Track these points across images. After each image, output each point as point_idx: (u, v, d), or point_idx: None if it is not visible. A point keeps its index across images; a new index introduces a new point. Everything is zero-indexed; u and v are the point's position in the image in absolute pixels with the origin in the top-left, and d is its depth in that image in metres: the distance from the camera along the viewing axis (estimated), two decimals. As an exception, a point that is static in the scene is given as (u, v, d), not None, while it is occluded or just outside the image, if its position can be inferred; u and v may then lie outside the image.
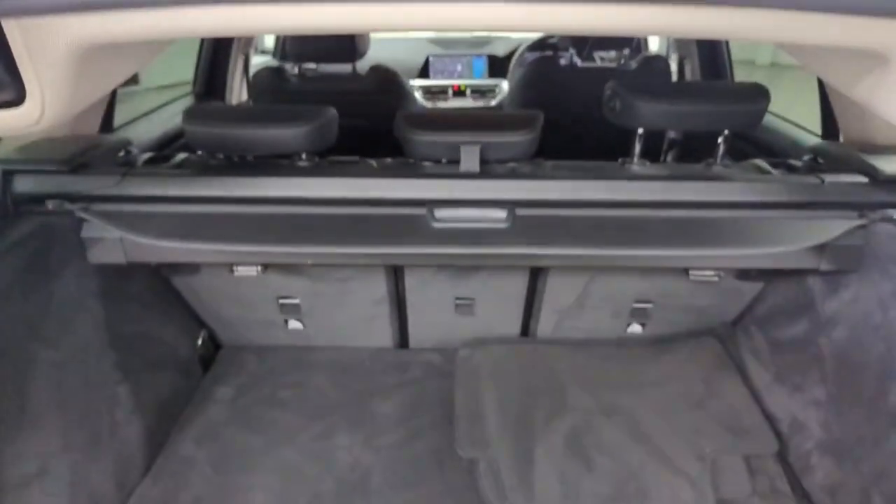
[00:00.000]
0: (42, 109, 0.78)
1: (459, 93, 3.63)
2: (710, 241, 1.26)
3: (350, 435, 1.53)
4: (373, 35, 2.52)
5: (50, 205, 1.30)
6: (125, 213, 1.30)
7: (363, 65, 2.54)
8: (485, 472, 1.39)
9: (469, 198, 1.30)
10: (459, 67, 3.76)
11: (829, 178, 1.32)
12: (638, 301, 1.70)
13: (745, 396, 1.55)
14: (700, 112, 1.36)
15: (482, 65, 3.75)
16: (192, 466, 1.44)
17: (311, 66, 2.51)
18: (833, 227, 1.25)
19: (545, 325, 1.78)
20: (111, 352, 1.41)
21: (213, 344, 1.85)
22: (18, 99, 0.77)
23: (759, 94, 1.37)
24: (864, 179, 1.30)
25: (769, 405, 1.52)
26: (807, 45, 0.81)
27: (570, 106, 2.32)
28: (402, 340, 1.85)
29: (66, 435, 1.30)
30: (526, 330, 1.81)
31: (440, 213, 1.29)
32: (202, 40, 2.62)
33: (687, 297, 1.68)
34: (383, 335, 1.82)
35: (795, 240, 1.25)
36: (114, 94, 1.65)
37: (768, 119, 2.28)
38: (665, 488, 1.32)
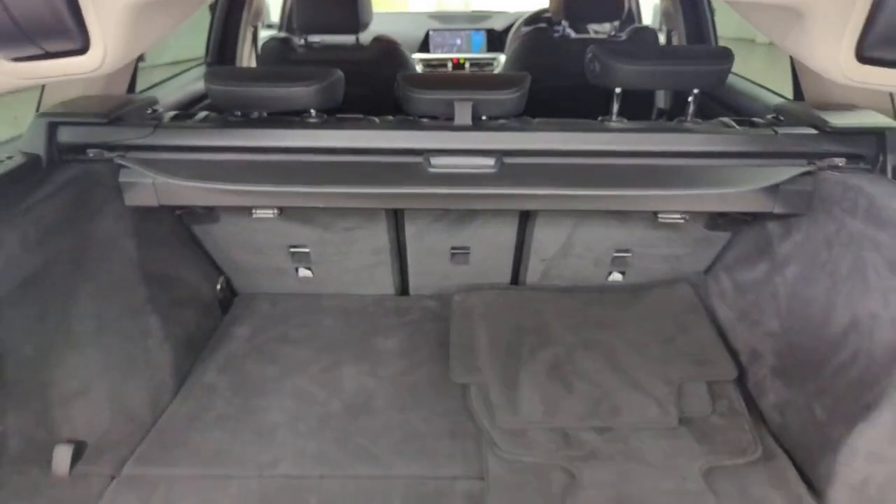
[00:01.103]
0: (103, 57, 0.94)
1: (459, 66, 3.77)
2: (674, 184, 1.42)
3: (355, 366, 1.70)
4: (375, 10, 2.66)
5: (91, 153, 1.47)
6: (157, 160, 1.47)
7: (366, 36, 2.69)
8: (475, 395, 1.56)
9: (462, 147, 1.46)
10: (459, 41, 3.90)
11: (783, 130, 1.48)
12: (617, 250, 1.87)
13: (711, 333, 1.72)
14: (669, 72, 1.51)
15: (481, 39, 3.89)
16: (215, 391, 1.62)
17: (317, 37, 2.66)
18: (784, 172, 1.41)
19: (533, 273, 1.94)
20: (143, 287, 1.58)
21: (230, 291, 2.02)
22: (84, 48, 0.93)
23: (723, 56, 1.52)
24: (813, 132, 1.46)
25: (732, 340, 1.69)
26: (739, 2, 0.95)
27: (563, 75, 2.46)
28: (403, 288, 2.02)
29: (105, 358, 1.48)
30: (516, 278, 1.98)
31: (436, 160, 1.45)
32: (213, 14, 2.77)
33: (662, 247, 1.84)
34: (385, 283, 1.99)
35: (750, 182, 1.40)
36: (136, 61, 1.80)
37: (745, 85, 2.43)
38: (634, 407, 1.50)
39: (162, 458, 1.41)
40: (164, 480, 1.35)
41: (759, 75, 2.65)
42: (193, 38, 2.84)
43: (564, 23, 2.71)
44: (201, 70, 2.64)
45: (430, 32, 3.79)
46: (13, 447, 1.35)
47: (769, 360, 1.54)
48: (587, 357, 1.64)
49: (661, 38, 3.06)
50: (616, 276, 1.95)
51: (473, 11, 4.45)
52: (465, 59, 3.74)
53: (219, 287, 1.94)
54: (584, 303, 1.87)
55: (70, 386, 1.42)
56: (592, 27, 3.09)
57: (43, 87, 1.53)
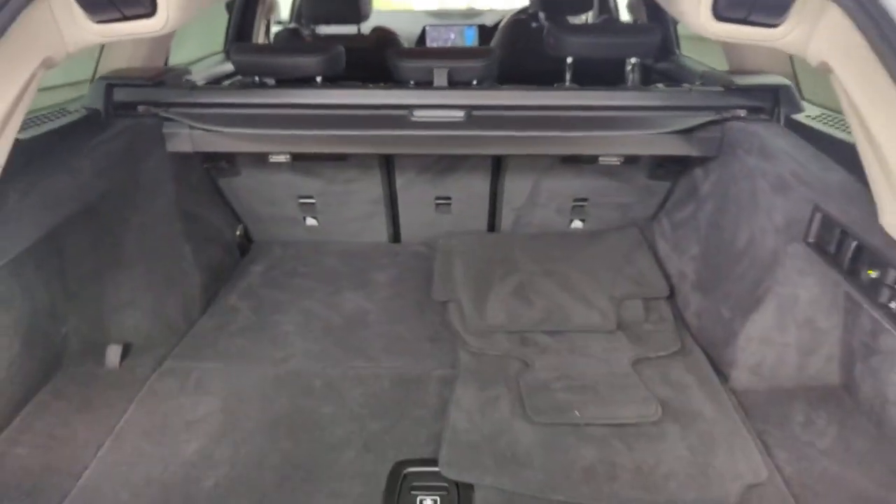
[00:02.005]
0: (166, 20, 1.28)
1: None
2: (609, 129, 1.76)
3: (353, 292, 2.04)
4: (380, 8, 3.00)
5: (140, 109, 1.82)
6: (192, 114, 1.81)
7: (367, 27, 3.04)
8: (452, 309, 1.90)
9: (438, 103, 1.80)
10: (452, 36, 4.24)
11: (697, 88, 1.81)
12: (576, 199, 2.20)
13: (651, 263, 2.05)
14: (606, 42, 1.86)
15: (473, 33, 4.23)
16: (237, 311, 1.96)
17: (323, 28, 3.01)
18: (695, 120, 1.75)
19: (506, 221, 2.28)
20: (179, 222, 1.93)
21: (248, 238, 2.37)
22: (152, 12, 1.26)
23: (652, 31, 1.86)
24: (720, 89, 1.80)
25: (667, 267, 2.02)
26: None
27: (538, 60, 2.81)
28: (396, 235, 2.36)
29: (148, 277, 1.82)
30: (492, 225, 2.32)
31: (417, 112, 1.79)
32: (230, 12, 3.13)
33: (613, 195, 2.18)
34: (380, 231, 2.33)
35: (668, 127, 1.74)
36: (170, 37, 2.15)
37: (695, 65, 2.76)
38: (581, 316, 1.83)
39: (194, 356, 1.74)
40: (195, 370, 1.68)
41: (714, 59, 2.99)
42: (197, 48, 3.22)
43: (542, 15, 3.05)
44: (220, 57, 3.00)
45: (426, 28, 4.14)
46: (73, 346, 1.69)
47: (691, 278, 1.87)
48: (546, 281, 1.97)
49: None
50: (577, 224, 2.28)
51: (467, 9, 4.81)
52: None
53: (238, 233, 2.28)
54: (548, 243, 2.21)
55: (120, 298, 1.76)
56: (571, 19, 3.43)
57: (99, 56, 1.88)
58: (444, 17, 4.43)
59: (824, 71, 1.24)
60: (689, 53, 2.91)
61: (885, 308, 1.17)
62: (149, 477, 1.34)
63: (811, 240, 1.42)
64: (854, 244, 1.26)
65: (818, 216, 1.40)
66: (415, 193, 2.21)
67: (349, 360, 1.73)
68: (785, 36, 1.21)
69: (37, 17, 1.15)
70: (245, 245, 2.33)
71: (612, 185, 2.14)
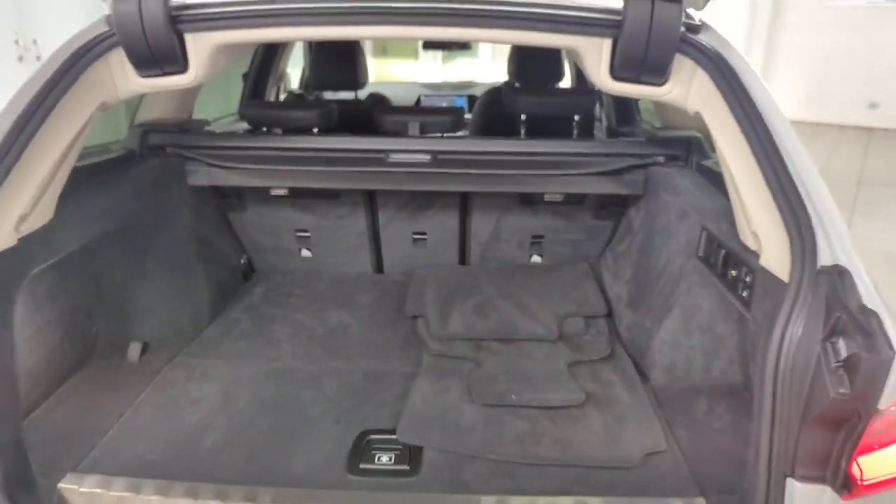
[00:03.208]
0: (195, 76, 1.67)
1: None
2: (550, 170, 2.14)
3: (337, 310, 2.37)
4: (376, 78, 3.46)
5: (168, 150, 2.21)
6: (211, 154, 2.21)
7: (363, 94, 3.49)
8: (421, 323, 2.22)
9: (410, 148, 2.19)
10: (444, 104, 4.72)
11: (624, 140, 2.20)
12: (534, 236, 2.56)
13: (595, 289, 2.38)
14: (549, 101, 2.27)
15: (463, 103, 4.71)
16: (239, 321, 2.29)
17: (325, 93, 3.46)
18: (622, 163, 2.13)
19: (474, 255, 2.63)
20: (193, 245, 2.29)
21: (251, 267, 2.72)
22: (185, 70, 1.66)
23: (590, 93, 2.27)
24: (642, 140, 2.18)
25: (608, 292, 2.35)
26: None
27: (506, 121, 3.25)
28: (379, 267, 2.71)
29: (165, 289, 2.16)
30: (462, 259, 2.67)
31: (393, 155, 2.18)
32: (246, 79, 3.60)
33: (565, 233, 2.53)
34: (365, 263, 2.68)
35: (599, 168, 2.12)
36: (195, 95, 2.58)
37: (644, 125, 3.18)
38: (528, 328, 2.15)
39: (200, 355, 2.07)
40: (201, 365, 2.00)
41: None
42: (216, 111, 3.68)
43: (517, 85, 3.50)
44: (235, 117, 3.45)
45: (421, 97, 4.63)
46: (101, 342, 2.02)
47: (624, 298, 2.20)
48: (502, 301, 2.30)
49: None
50: (536, 258, 2.63)
51: (459, 81, 5.33)
52: None
53: (243, 261, 2.64)
54: (508, 273, 2.55)
55: (141, 305, 2.10)
56: None
57: (137, 106, 2.29)
58: (436, 88, 4.93)
59: (699, 118, 1.61)
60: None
61: (741, 298, 1.50)
62: (160, 436, 1.64)
63: (700, 254, 1.76)
64: (723, 252, 1.60)
65: (704, 234, 1.74)
66: (395, 229, 2.57)
67: (329, 359, 2.04)
68: (670, 92, 1.58)
69: (99, 70, 1.55)
70: (248, 272, 2.68)
71: (563, 224, 2.50)
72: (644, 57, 1.46)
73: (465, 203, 2.49)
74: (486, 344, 2.09)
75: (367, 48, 11.71)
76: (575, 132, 2.41)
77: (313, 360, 2.04)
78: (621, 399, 1.80)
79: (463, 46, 7.03)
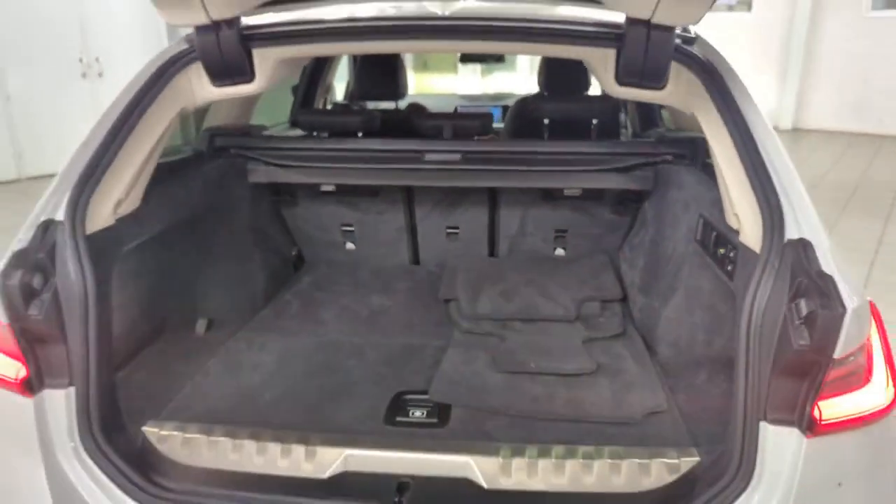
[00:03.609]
0: (259, 85, 1.97)
1: None
2: (569, 166, 2.37)
3: (379, 295, 2.64)
4: (417, 91, 3.76)
5: (231, 151, 2.52)
6: (267, 155, 2.51)
7: (403, 103, 3.78)
8: (453, 306, 2.47)
9: (443, 149, 2.45)
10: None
11: (636, 140, 2.42)
12: (557, 230, 2.78)
13: (613, 278, 2.59)
14: (572, 108, 2.50)
15: (498, 112, 4.98)
16: (290, 304, 2.57)
17: (368, 104, 3.77)
18: (632, 161, 2.34)
19: (503, 248, 2.87)
20: (251, 236, 2.59)
21: (300, 258, 3.01)
22: (252, 79, 1.95)
23: (606, 99, 2.49)
24: (652, 140, 2.40)
25: (624, 279, 2.56)
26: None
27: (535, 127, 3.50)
28: (415, 259, 2.97)
29: (227, 274, 2.46)
30: (492, 252, 2.91)
31: (428, 155, 2.44)
32: (295, 91, 3.93)
33: (586, 227, 2.75)
34: (404, 255, 2.94)
35: (612, 164, 2.34)
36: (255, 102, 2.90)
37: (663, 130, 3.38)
38: (549, 309, 2.38)
39: (258, 330, 2.35)
40: (258, 339, 2.28)
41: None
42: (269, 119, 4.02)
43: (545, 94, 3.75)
44: (286, 125, 3.77)
45: (458, 107, 4.91)
46: (173, 318, 2.31)
47: (637, 284, 2.41)
48: (526, 288, 2.53)
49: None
50: (560, 251, 2.86)
51: (495, 93, 5.61)
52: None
53: (294, 253, 2.94)
54: (533, 264, 2.78)
55: (207, 287, 2.39)
56: None
57: (206, 112, 2.61)
58: (473, 98, 5.21)
59: (695, 118, 1.83)
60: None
61: (727, 272, 1.70)
62: (226, 393, 1.92)
63: (698, 238, 1.97)
64: (714, 234, 1.81)
65: (701, 221, 1.95)
66: (430, 224, 2.83)
67: (370, 334, 2.31)
68: (669, 95, 1.81)
69: (181, 81, 1.85)
70: (299, 263, 2.98)
71: (584, 219, 2.73)
72: (643, 66, 1.68)
73: (493, 200, 2.74)
74: (510, 323, 2.32)
75: (409, 63, 12.15)
76: (594, 135, 2.64)
77: (356, 335, 2.30)
78: (630, 369, 2.01)
79: (498, 59, 7.31)
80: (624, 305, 2.44)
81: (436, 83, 10.98)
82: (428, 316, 2.44)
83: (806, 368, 1.34)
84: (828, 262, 1.36)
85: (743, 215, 1.56)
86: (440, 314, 2.45)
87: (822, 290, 1.30)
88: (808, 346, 1.30)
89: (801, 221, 1.41)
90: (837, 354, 1.32)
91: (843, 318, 1.29)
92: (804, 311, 1.30)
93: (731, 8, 13.39)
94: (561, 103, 2.70)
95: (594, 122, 2.66)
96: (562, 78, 3.01)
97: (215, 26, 1.70)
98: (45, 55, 7.71)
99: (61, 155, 1.75)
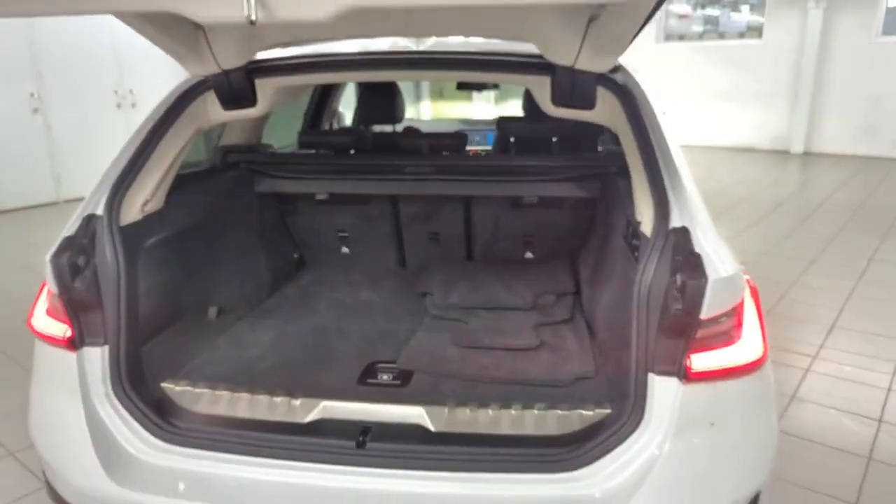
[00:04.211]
0: (261, 109, 2.39)
1: (477, 155, 5.29)
2: (526, 175, 2.75)
3: (367, 291, 3.03)
4: (433, 115, 4.21)
5: (241, 165, 2.95)
6: (272, 168, 2.93)
7: (400, 127, 4.21)
8: (428, 298, 2.84)
9: (422, 163, 2.85)
10: (478, 138, 5.40)
11: (587, 154, 2.79)
12: (525, 235, 3.15)
13: (568, 275, 2.94)
14: (528, 127, 2.89)
15: (493, 135, 5.39)
16: (290, 297, 2.97)
17: (375, 127, 4.22)
18: (581, 171, 2.71)
19: (478, 252, 3.24)
20: (258, 239, 3.00)
21: (301, 261, 3.42)
22: (254, 104, 2.38)
23: (566, 121, 2.87)
24: (596, 154, 2.77)
25: (580, 276, 2.91)
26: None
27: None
28: (402, 262, 3.35)
29: (236, 270, 2.86)
30: (469, 255, 3.28)
31: (408, 168, 2.84)
32: (306, 114, 4.39)
33: (551, 232, 3.11)
34: (392, 259, 3.33)
35: (563, 175, 2.71)
36: (264, 124, 3.34)
37: None
38: (509, 300, 2.73)
39: (261, 317, 2.75)
40: (261, 323, 2.67)
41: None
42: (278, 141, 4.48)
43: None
44: (294, 146, 4.22)
45: (459, 130, 5.32)
46: (188, 306, 2.72)
47: (587, 279, 2.75)
48: (493, 283, 2.89)
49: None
50: (528, 254, 3.21)
51: (495, 118, 6.03)
52: (482, 150, 5.24)
53: (296, 256, 3.35)
54: (504, 264, 3.14)
55: (217, 280, 2.80)
56: None
57: (222, 130, 3.05)
58: (472, 123, 5.64)
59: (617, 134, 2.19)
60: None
61: (635, 258, 2.05)
62: (230, 362, 2.31)
63: (624, 234, 2.32)
64: (631, 229, 2.16)
65: (625, 220, 2.30)
66: (414, 231, 3.23)
67: (355, 320, 2.69)
68: (599, 115, 2.19)
69: (198, 105, 2.28)
70: (300, 265, 3.39)
71: (548, 226, 3.09)
72: (573, 92, 2.06)
73: (467, 209, 3.13)
74: (474, 311, 2.69)
75: (426, 92, 12.66)
76: (555, 150, 3.02)
77: (343, 321, 2.69)
78: (569, 347, 2.35)
79: (494, 87, 7.73)
80: (576, 298, 2.79)
81: (451, 110, 11.48)
82: (406, 307, 2.82)
83: (681, 328, 1.67)
84: (700, 244, 1.70)
85: (644, 211, 1.92)
86: (417, 306, 2.83)
87: (692, 265, 1.65)
88: (681, 309, 1.64)
89: (683, 214, 1.75)
90: (703, 316, 1.65)
91: (705, 287, 1.62)
92: (679, 282, 1.64)
93: (742, 35, 13.69)
94: (525, 123, 3.10)
95: (554, 139, 3.04)
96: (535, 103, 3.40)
97: (225, 73, 2.12)
98: (83, 88, 8.45)
99: (96, 179, 2.15)
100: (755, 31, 13.33)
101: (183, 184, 2.53)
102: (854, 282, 5.35)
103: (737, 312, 1.74)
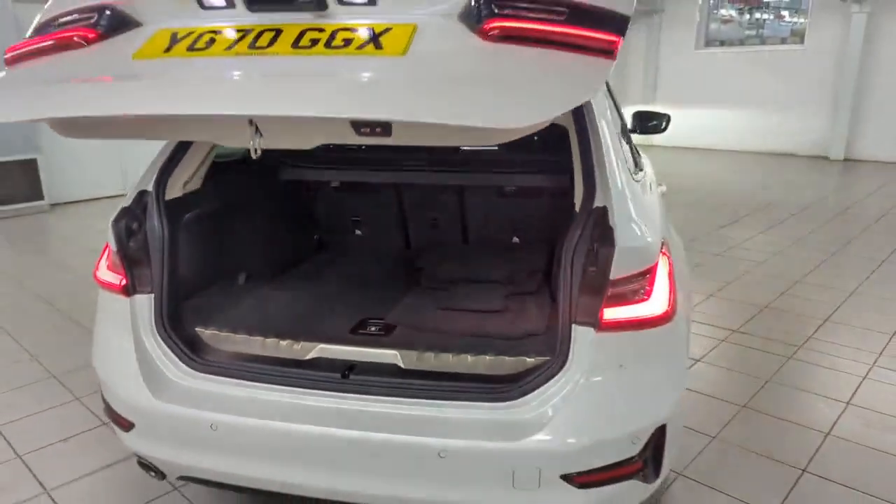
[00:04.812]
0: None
1: None
2: (509, 168, 3.18)
3: (374, 265, 3.51)
4: None
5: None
6: (294, 158, 3.46)
7: None
8: (425, 273, 3.30)
9: (420, 156, 3.32)
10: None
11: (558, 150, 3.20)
12: (512, 221, 3.57)
13: (544, 257, 3.33)
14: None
15: None
16: (309, 269, 3.48)
17: None
18: (552, 164, 3.12)
19: (472, 237, 3.68)
20: (281, 219, 3.53)
21: (320, 243, 3.94)
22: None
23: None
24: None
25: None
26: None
27: None
28: (407, 243, 3.83)
29: (263, 243, 3.38)
30: (465, 240, 3.73)
31: (406, 162, 3.31)
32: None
33: (535, 220, 3.53)
34: (398, 240, 3.81)
35: (538, 167, 3.13)
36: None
37: None
38: (489, 274, 3.16)
39: (281, 282, 3.25)
40: (279, 286, 3.17)
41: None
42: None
43: None
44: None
45: None
46: (221, 272, 3.23)
47: (556, 258, 3.16)
48: (477, 261, 3.33)
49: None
50: (516, 239, 3.64)
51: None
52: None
53: (315, 238, 3.86)
54: (492, 247, 3.58)
55: (247, 252, 3.31)
56: None
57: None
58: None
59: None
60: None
61: None
62: (250, 315, 2.78)
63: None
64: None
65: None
66: (417, 217, 3.70)
67: (359, 288, 3.17)
68: (560, 118, 2.60)
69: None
70: (319, 246, 3.90)
71: (533, 215, 3.51)
72: None
73: (461, 198, 3.59)
74: (459, 283, 3.13)
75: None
76: (537, 146, 3.44)
77: (348, 287, 3.17)
78: (529, 311, 2.76)
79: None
80: (547, 275, 3.20)
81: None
82: (404, 279, 3.29)
83: (595, 287, 2.08)
84: (614, 220, 2.10)
85: (578, 194, 2.33)
86: (413, 279, 3.30)
87: (605, 236, 2.06)
88: (595, 271, 2.05)
89: (605, 197, 2.16)
90: (612, 277, 2.06)
91: (613, 254, 2.03)
92: (594, 249, 2.06)
93: (783, 40, 13.67)
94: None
95: (535, 137, 3.45)
96: None
97: None
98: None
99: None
100: (797, 36, 13.30)
101: (219, 171, 3.05)
102: (857, 282, 5.55)
103: (649, 276, 2.13)
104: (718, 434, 3.22)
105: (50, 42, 1.83)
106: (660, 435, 2.13)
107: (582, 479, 2.04)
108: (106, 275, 2.47)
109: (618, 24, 1.60)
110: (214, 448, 2.21)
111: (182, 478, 2.39)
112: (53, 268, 6.26)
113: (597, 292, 2.06)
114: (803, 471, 2.93)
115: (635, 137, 3.59)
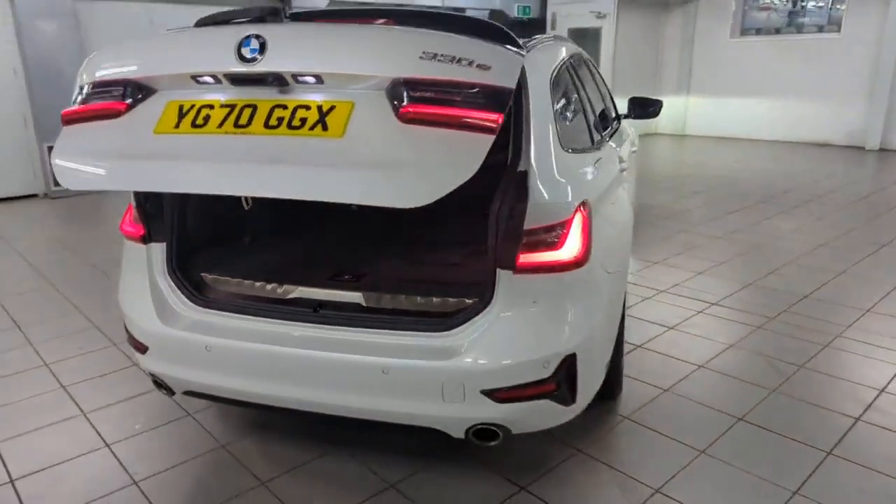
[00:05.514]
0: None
1: None
2: None
3: (363, 225, 3.98)
4: None
5: None
6: None
7: None
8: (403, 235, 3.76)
9: None
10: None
11: None
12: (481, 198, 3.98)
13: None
14: None
15: None
16: (303, 233, 3.98)
17: None
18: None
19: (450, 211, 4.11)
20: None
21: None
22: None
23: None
24: None
25: None
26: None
27: None
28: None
29: (269, 214, 3.90)
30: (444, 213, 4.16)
31: None
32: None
33: None
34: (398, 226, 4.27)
35: None
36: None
37: None
38: (457, 238, 3.59)
39: (280, 244, 3.76)
40: (278, 246, 3.67)
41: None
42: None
43: None
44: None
45: None
46: (230, 233, 3.76)
47: None
48: (455, 229, 3.75)
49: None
50: None
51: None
52: None
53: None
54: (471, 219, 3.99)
55: (251, 217, 3.82)
56: None
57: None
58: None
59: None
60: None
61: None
62: (248, 266, 3.28)
63: None
64: None
65: None
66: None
67: (347, 252, 3.65)
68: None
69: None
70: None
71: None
72: None
73: None
74: (436, 247, 3.58)
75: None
76: None
77: (337, 251, 3.66)
78: (479, 266, 3.17)
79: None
80: None
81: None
82: (391, 249, 3.75)
83: (514, 236, 2.48)
84: (534, 183, 2.49)
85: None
86: (399, 249, 3.75)
87: (521, 195, 2.47)
88: (512, 222, 2.47)
89: (527, 163, 2.55)
90: (525, 227, 2.46)
91: (525, 209, 2.44)
92: (517, 206, 2.47)
93: (820, 29, 13.54)
94: None
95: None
96: None
97: None
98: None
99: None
100: (834, 24, 13.14)
101: None
102: (851, 264, 5.70)
103: (563, 229, 2.51)
104: (745, 415, 3.26)
105: (92, 112, 2.43)
106: (571, 362, 2.51)
107: (501, 395, 2.45)
108: (128, 227, 3.02)
109: (501, 99, 2.02)
110: (210, 367, 2.72)
111: (186, 393, 2.93)
112: (107, 241, 6.98)
113: (514, 240, 2.45)
114: (828, 453, 2.92)
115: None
